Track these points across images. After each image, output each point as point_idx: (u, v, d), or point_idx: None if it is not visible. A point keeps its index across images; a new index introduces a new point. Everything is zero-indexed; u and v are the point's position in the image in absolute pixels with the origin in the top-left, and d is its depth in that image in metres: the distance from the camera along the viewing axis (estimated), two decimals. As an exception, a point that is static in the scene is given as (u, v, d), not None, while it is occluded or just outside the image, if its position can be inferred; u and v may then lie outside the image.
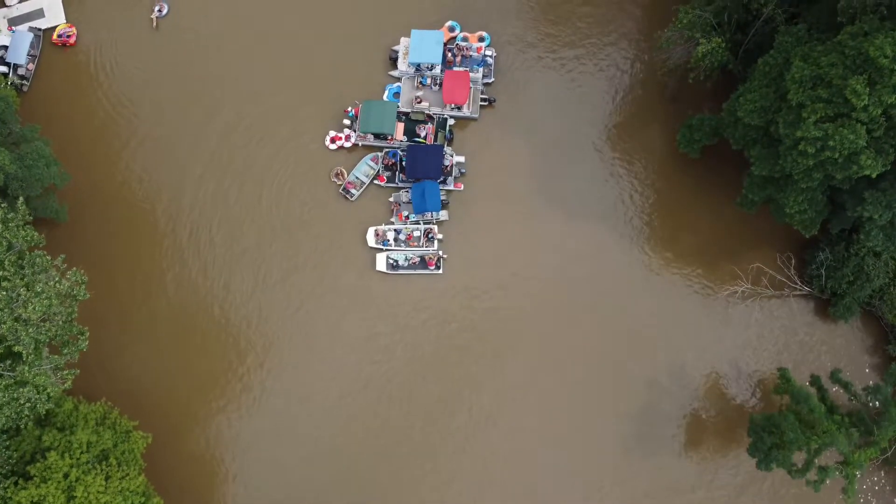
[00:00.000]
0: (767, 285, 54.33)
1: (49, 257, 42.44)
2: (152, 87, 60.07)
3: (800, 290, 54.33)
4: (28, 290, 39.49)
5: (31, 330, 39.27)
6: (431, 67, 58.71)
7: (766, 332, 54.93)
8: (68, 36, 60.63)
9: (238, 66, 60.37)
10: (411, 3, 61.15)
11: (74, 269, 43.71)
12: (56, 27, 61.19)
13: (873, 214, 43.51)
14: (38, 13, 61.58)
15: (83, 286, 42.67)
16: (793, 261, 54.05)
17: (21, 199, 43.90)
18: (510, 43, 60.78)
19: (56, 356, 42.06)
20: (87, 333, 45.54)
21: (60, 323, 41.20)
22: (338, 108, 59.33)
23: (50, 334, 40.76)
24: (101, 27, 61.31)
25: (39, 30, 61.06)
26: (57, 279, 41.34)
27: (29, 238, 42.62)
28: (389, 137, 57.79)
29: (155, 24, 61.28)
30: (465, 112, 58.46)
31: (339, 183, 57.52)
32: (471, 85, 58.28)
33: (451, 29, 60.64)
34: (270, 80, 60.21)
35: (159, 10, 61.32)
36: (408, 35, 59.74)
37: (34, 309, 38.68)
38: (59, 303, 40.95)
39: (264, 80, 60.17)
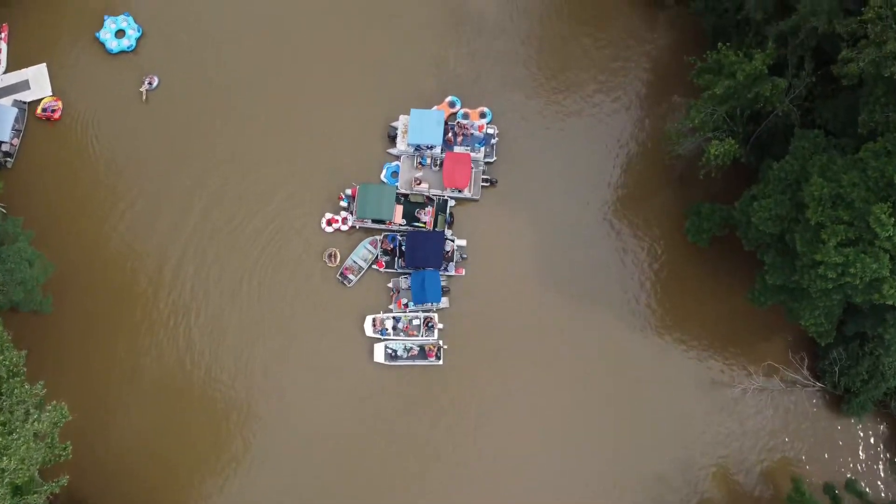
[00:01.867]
0: (779, 380, 52.61)
1: (28, 386, 40.33)
2: (139, 162, 57.89)
3: (812, 385, 52.62)
4: (3, 436, 37.19)
5: (6, 477, 37.06)
6: (431, 147, 56.75)
7: (777, 428, 53.35)
8: (53, 110, 58.46)
9: (230, 140, 58.37)
10: (411, 76, 59.31)
11: (55, 403, 41.39)
12: (41, 100, 58.91)
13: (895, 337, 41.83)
14: (24, 85, 59.40)
15: (61, 422, 40.38)
16: (805, 360, 52.23)
17: None
18: (513, 116, 58.96)
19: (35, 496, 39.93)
20: (70, 447, 43.57)
21: (38, 460, 39.05)
22: (333, 186, 57.39)
23: (25, 476, 38.48)
24: (88, 100, 59.17)
25: (24, 103, 58.88)
26: (36, 417, 39.17)
27: (9, 363, 40.54)
28: (388, 221, 55.80)
29: (145, 97, 59.18)
30: (467, 194, 56.56)
31: (332, 265, 55.55)
32: (472, 166, 56.32)
33: (452, 104, 58.77)
34: (263, 155, 58.21)
35: (149, 83, 59.29)
36: (407, 111, 57.92)
37: (9, 461, 36.49)
38: (36, 446, 38.74)
39: (257, 155, 58.20)
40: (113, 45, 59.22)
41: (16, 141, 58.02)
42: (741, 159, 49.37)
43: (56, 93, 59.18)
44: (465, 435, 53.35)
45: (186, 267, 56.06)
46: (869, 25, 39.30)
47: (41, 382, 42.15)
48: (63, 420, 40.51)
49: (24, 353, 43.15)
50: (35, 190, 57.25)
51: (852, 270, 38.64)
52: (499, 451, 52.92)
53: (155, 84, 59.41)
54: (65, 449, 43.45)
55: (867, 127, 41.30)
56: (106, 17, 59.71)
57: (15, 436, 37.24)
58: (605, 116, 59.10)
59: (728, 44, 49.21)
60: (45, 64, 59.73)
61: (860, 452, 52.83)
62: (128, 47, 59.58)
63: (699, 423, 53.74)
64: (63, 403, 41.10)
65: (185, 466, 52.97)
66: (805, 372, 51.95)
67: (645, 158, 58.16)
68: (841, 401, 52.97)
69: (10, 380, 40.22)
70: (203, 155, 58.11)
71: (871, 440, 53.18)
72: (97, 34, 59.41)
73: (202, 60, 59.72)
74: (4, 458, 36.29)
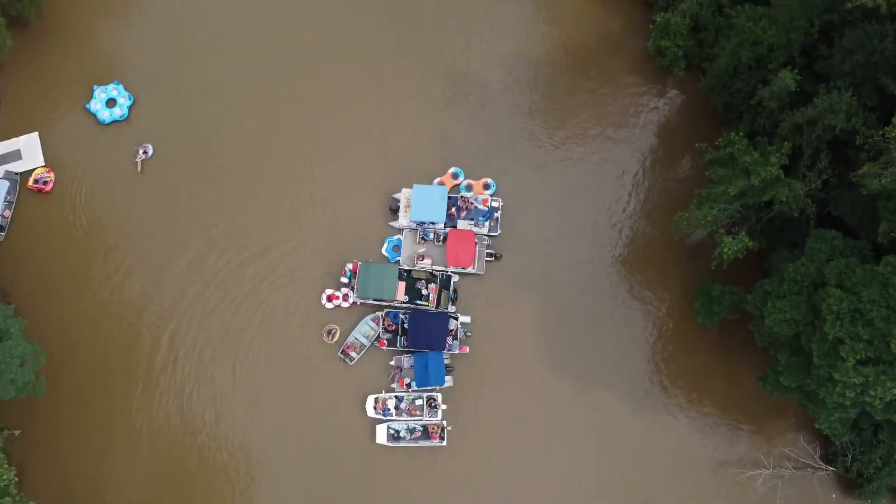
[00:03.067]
0: (790, 465, 51.85)
1: None
2: (133, 235, 56.45)
3: (823, 469, 51.91)
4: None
5: None
6: (434, 223, 55.57)
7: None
8: (45, 182, 56.99)
9: (227, 212, 57.01)
10: (413, 147, 57.87)
11: None
12: (33, 171, 57.46)
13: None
14: (15, 155, 57.83)
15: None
16: (818, 446, 51.49)
17: None
18: (517, 186, 57.51)
19: None
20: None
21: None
22: (333, 259, 56.15)
23: None
24: (81, 171, 57.59)
25: (16, 174, 57.39)
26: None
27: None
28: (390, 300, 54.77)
29: (140, 167, 57.76)
30: (471, 270, 55.44)
31: (331, 343, 54.51)
32: (476, 242, 55.15)
33: (455, 176, 57.51)
34: (261, 227, 56.86)
35: (143, 152, 57.84)
36: (409, 182, 56.68)
37: None
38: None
39: (254, 226, 56.79)
40: (105, 115, 57.66)
41: (7, 213, 56.66)
42: (753, 248, 48.08)
43: (48, 164, 57.54)
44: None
45: (179, 345, 54.89)
46: (892, 142, 37.96)
47: None
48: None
49: (13, 472, 42.10)
50: (26, 264, 55.97)
51: (872, 392, 37.69)
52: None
53: (150, 153, 57.97)
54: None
55: (887, 237, 40.16)
56: (95, 88, 57.93)
57: None
58: (611, 185, 57.84)
59: (739, 129, 47.84)
60: (36, 133, 58.10)
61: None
62: (120, 116, 57.99)
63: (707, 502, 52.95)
64: None
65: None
66: (817, 456, 51.15)
67: (653, 229, 56.90)
68: (853, 485, 52.15)
69: (2, 500, 39.22)
70: (199, 227, 56.74)
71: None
72: (87, 105, 57.68)
73: (198, 127, 58.07)
74: None
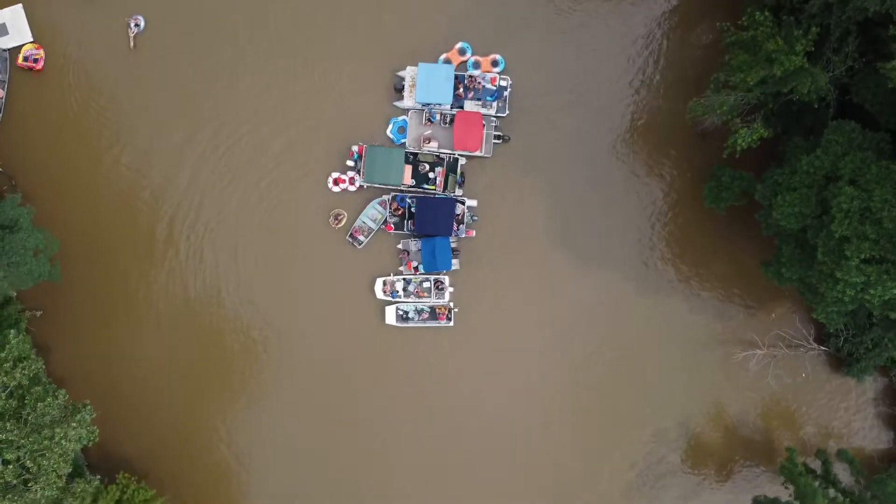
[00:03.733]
0: (784, 346, 54.23)
1: (50, 399, 41.66)
2: (130, 114, 55.57)
3: (815, 349, 54.38)
4: (34, 461, 39.24)
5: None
6: (440, 104, 54.43)
7: (777, 391, 55.69)
8: (35, 60, 55.18)
9: (224, 90, 55.65)
10: (418, 20, 55.52)
11: (82, 406, 43.02)
12: (22, 47, 55.41)
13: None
14: (1, 30, 55.54)
15: (94, 434, 42.44)
16: (812, 329, 53.54)
17: (13, 331, 42.37)
18: (527, 62, 55.86)
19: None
20: (97, 432, 46.00)
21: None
22: (337, 141, 55.56)
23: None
24: (72, 48, 55.67)
25: (5, 50, 55.43)
26: (62, 435, 40.94)
27: (28, 373, 41.73)
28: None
29: (132, 43, 55.65)
30: (478, 153, 55.03)
31: (338, 227, 55.20)
32: (483, 124, 54.29)
33: (462, 52, 55.57)
34: (261, 104, 55.75)
35: (135, 24, 55.48)
36: (414, 58, 55.00)
37: (42, 491, 38.79)
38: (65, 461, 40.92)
39: (254, 104, 55.69)
40: (90, -14, 54.62)
41: (1, 93, 55.27)
42: (768, 136, 47.42)
43: (36, 40, 55.35)
44: (469, 397, 55.89)
45: (184, 226, 55.56)
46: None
47: (63, 392, 43.45)
48: (90, 439, 42.33)
49: (41, 362, 44.21)
50: (25, 146, 55.44)
51: (872, 291, 38.78)
52: (501, 415, 55.70)
53: (142, 26, 55.64)
54: (92, 433, 45.75)
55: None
56: (78, -46, 54.53)
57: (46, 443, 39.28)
58: (625, 59, 56.10)
59: (765, 8, 45.61)
60: (20, 5, 55.43)
61: (859, 413, 55.49)
62: (108, -15, 54.95)
63: (702, 383, 55.99)
64: (88, 406, 42.61)
65: (198, 405, 55.81)
66: (810, 338, 53.33)
67: (667, 108, 55.88)
68: (842, 363, 54.81)
69: (33, 389, 41.44)
70: (196, 105, 55.66)
71: (873, 401, 55.65)
72: (70, -25, 54.54)
73: (191, -2, 55.13)
74: (38, 490, 38.57)
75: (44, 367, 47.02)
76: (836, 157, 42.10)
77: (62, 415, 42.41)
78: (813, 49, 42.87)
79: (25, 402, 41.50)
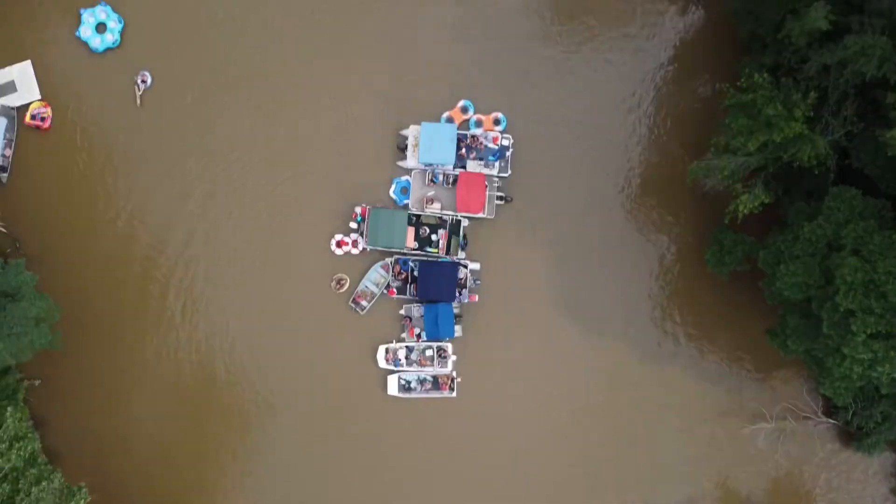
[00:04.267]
0: (792, 420, 53.34)
1: (45, 483, 40.90)
2: (135, 172, 56.04)
3: (824, 422, 53.40)
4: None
5: None
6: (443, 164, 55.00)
7: (786, 463, 54.81)
8: (42, 118, 56.09)
9: (228, 146, 56.13)
10: (420, 78, 56.14)
11: (77, 489, 42.35)
12: (29, 105, 56.45)
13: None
14: (9, 87, 56.60)
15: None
16: (820, 401, 52.70)
17: (10, 409, 41.90)
18: (528, 120, 56.04)
19: None
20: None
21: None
22: (339, 200, 55.65)
23: None
24: (78, 105, 56.36)
25: (13, 108, 56.33)
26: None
27: (23, 454, 41.06)
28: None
29: (139, 101, 56.66)
30: (481, 215, 55.24)
31: (341, 292, 55.07)
32: (486, 186, 54.58)
33: (464, 109, 56.36)
34: (264, 163, 55.94)
35: (142, 81, 56.55)
36: (417, 116, 55.42)
37: None
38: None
39: (257, 162, 56.01)
40: (96, 42, 55.79)
41: (8, 152, 55.92)
42: (769, 201, 47.31)
43: (43, 97, 56.45)
44: (476, 468, 55.16)
45: (188, 290, 55.36)
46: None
47: (59, 474, 42.73)
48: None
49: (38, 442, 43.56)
50: (31, 207, 55.67)
51: (880, 368, 38.20)
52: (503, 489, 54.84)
53: (149, 82, 56.68)
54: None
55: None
56: (82, 11, 55.57)
57: None
58: (626, 120, 56.08)
59: (764, 60, 46.13)
60: (29, 61, 56.55)
61: (873, 489, 54.08)
62: (112, 43, 55.98)
63: (707, 458, 54.99)
64: (84, 490, 41.92)
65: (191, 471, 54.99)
66: (819, 411, 52.49)
67: (667, 169, 55.58)
68: (852, 438, 53.74)
69: (28, 472, 40.68)
70: (203, 165, 56.22)
71: (884, 476, 54.36)
72: (77, 32, 55.72)
73: (198, 51, 55.85)
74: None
75: (40, 445, 46.13)
76: (837, 225, 42.08)
77: (56, 499, 41.53)
78: (811, 114, 43.01)
79: (20, 486, 40.70)
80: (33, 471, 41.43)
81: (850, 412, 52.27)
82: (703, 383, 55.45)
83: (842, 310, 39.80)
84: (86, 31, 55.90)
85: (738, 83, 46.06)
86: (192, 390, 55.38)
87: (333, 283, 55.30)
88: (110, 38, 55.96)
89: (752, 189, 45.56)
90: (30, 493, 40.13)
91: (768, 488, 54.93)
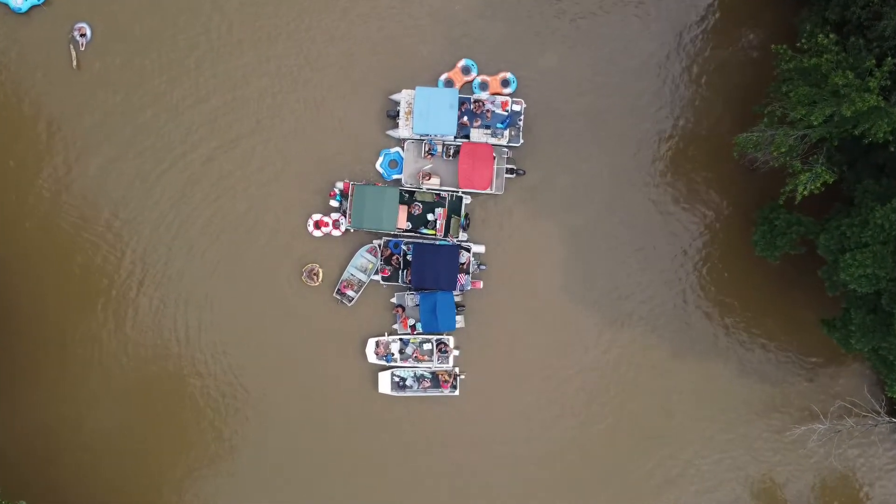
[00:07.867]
0: (849, 420, 50.96)
1: None
2: (75, 139, 52.25)
3: (887, 422, 51.03)
4: None
5: None
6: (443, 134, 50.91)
7: (842, 472, 52.55)
8: (-35, 84, 51.63)
9: (187, 113, 52.31)
10: (415, 32, 51.99)
11: None
12: (-53, 70, 51.96)
13: None
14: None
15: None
16: (884, 400, 50.22)
17: None
18: (542, 79, 52.24)
19: None
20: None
21: None
22: (318, 175, 52.12)
23: None
24: (5, 78, 52.14)
25: (-74, 73, 51.90)
26: None
27: None
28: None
29: (75, 63, 52.03)
30: (487, 191, 51.46)
31: (314, 286, 51.61)
32: (494, 157, 50.59)
33: (466, 70, 51.96)
34: (228, 131, 52.14)
35: (81, 35, 51.81)
36: (410, 79, 51.59)
37: None
38: None
39: (221, 130, 52.22)
40: (17, 1, 51.17)
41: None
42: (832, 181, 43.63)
43: (-37, 60, 51.92)
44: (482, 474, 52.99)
45: (142, 272, 52.47)
46: None
47: None
48: None
49: None
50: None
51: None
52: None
53: (88, 36, 51.99)
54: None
55: None
56: (-7, -34, 51.03)
57: None
58: (657, 73, 52.26)
59: (827, 15, 42.15)
60: (-55, 19, 51.73)
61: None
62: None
63: (751, 461, 52.96)
64: None
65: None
66: (883, 411, 50.11)
67: (704, 132, 52.19)
68: (918, 439, 51.59)
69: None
70: (152, 130, 52.33)
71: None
72: (-11, -9, 51.18)
73: None
74: None
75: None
76: (914, 206, 38.51)
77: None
78: (888, 82, 39.09)
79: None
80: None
81: (917, 411, 49.87)
82: (746, 378, 52.74)
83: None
84: (1, -11, 51.22)
85: (798, 44, 42.11)
86: (153, 391, 52.69)
87: (304, 276, 51.73)
88: (32, -9, 51.27)
89: (812, 166, 41.64)
90: None
91: (818, 495, 52.86)
